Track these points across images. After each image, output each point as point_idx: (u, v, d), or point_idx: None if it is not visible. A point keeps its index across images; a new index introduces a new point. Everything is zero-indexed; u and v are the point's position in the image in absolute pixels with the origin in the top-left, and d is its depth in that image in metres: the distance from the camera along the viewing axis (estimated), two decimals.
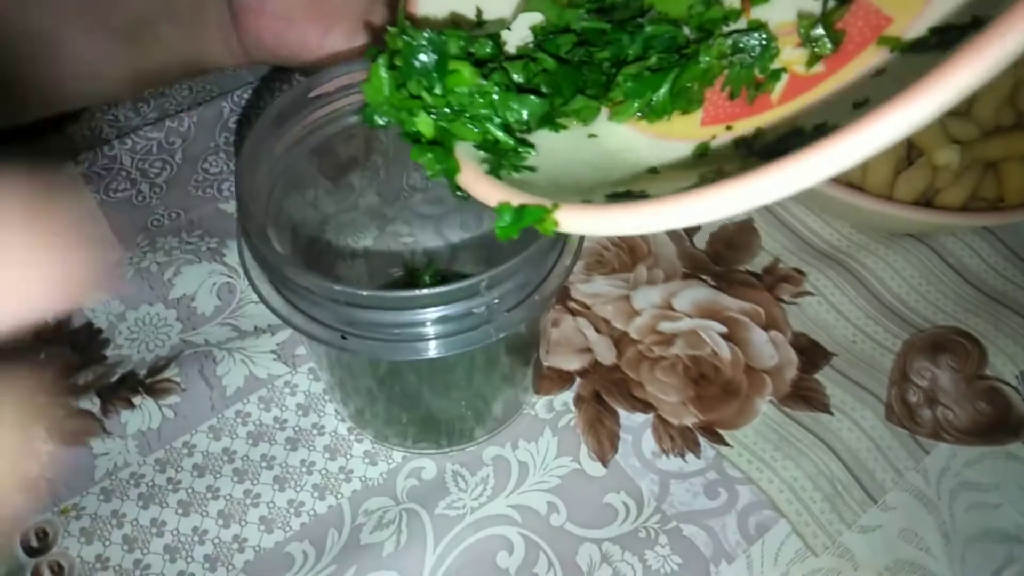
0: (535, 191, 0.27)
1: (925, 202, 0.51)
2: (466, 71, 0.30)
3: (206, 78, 0.63)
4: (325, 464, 0.45)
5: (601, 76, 0.33)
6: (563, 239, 0.34)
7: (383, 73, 0.30)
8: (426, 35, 0.29)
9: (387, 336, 0.32)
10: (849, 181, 0.51)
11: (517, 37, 0.34)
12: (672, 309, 0.51)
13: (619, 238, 0.55)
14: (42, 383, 0.15)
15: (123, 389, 0.47)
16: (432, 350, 0.32)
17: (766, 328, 0.51)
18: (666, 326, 0.51)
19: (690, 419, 0.47)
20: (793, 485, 0.44)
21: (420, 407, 0.42)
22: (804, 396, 0.48)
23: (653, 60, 0.32)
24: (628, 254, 0.54)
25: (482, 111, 0.30)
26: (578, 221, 0.26)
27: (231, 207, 0.56)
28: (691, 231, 0.56)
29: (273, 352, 0.49)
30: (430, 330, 0.32)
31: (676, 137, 0.32)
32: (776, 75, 0.31)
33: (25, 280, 0.13)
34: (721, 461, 0.46)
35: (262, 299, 0.33)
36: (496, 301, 0.32)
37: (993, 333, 0.51)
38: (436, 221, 0.49)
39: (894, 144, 0.20)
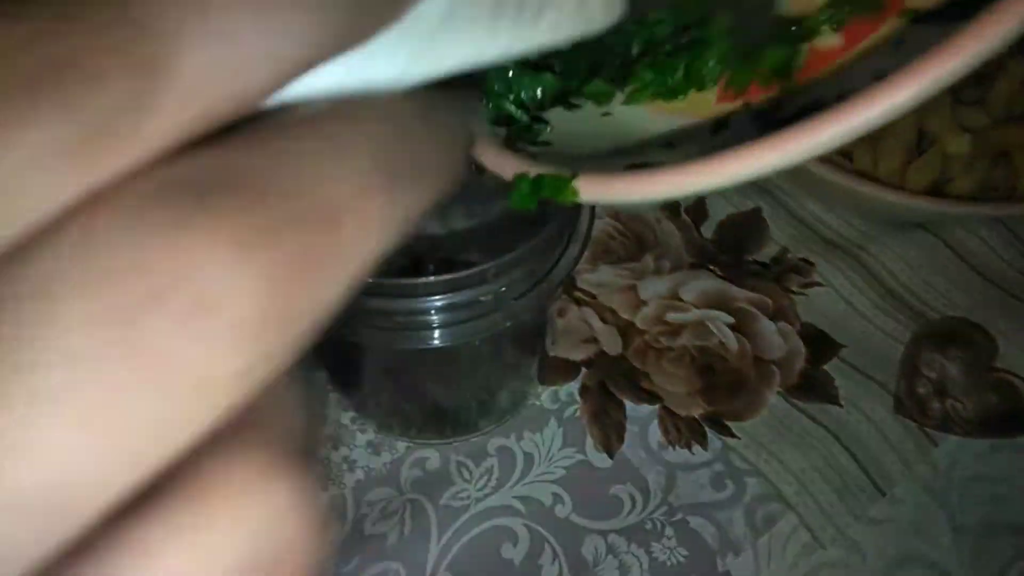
0: (550, 162, 0.27)
1: (936, 191, 0.50)
2: None
3: None
4: (328, 454, 0.45)
5: (616, 59, 0.32)
6: (570, 229, 0.34)
7: None
8: None
9: (393, 325, 0.32)
10: (860, 169, 0.51)
11: None
12: (679, 299, 0.51)
13: (625, 227, 0.54)
14: None
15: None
16: (438, 339, 0.32)
17: (774, 319, 0.50)
18: (673, 316, 0.50)
19: (697, 410, 0.47)
20: (801, 477, 0.44)
21: (424, 397, 0.42)
22: (812, 387, 0.48)
23: (668, 47, 0.31)
24: (635, 243, 0.53)
25: (496, 87, 0.30)
26: (599, 189, 0.25)
27: None
28: (699, 220, 0.55)
29: None
30: (435, 319, 0.31)
31: (691, 114, 0.32)
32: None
33: None
34: (728, 453, 0.45)
35: None
36: (503, 289, 0.31)
37: (1004, 325, 0.50)
38: (442, 208, 0.48)
39: (916, 105, 0.19)
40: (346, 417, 0.46)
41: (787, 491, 0.44)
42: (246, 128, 0.10)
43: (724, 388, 0.47)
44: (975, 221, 0.55)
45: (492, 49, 0.15)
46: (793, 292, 0.52)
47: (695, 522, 0.43)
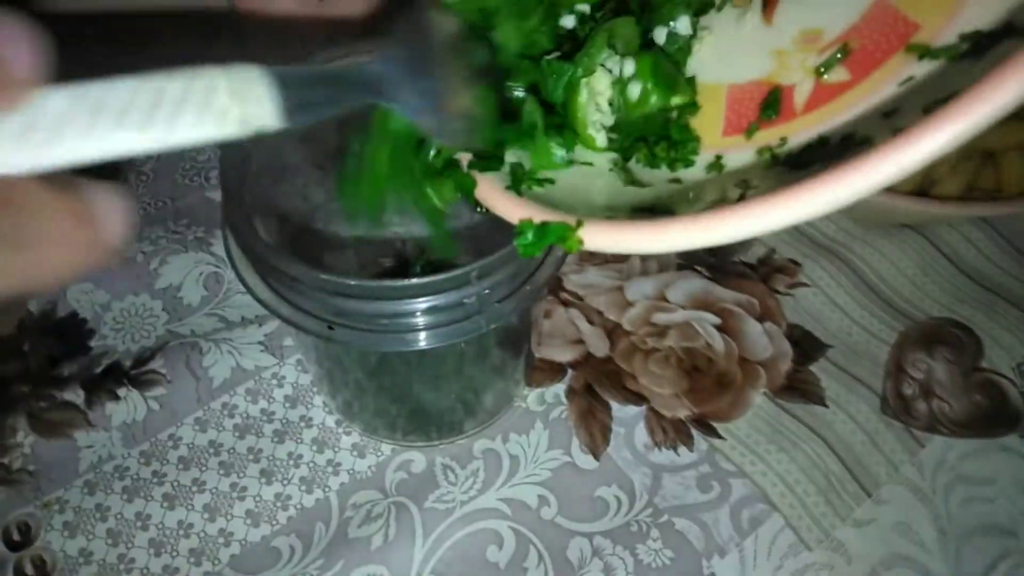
0: (556, 205, 0.27)
1: (922, 192, 0.51)
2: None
3: None
4: (313, 457, 0.44)
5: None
6: None
7: None
8: None
9: (375, 327, 0.31)
10: None
11: None
12: (666, 300, 0.51)
13: None
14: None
15: (108, 381, 0.46)
16: (421, 341, 0.31)
17: (760, 319, 0.50)
18: (660, 317, 0.50)
19: (683, 411, 0.46)
20: (787, 478, 0.44)
21: (409, 399, 0.41)
22: (798, 388, 0.48)
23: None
24: None
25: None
26: (603, 238, 0.25)
27: (219, 195, 0.55)
28: None
29: (260, 343, 0.48)
30: (419, 321, 0.31)
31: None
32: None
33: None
34: (714, 454, 0.45)
35: (248, 289, 0.33)
36: (487, 291, 0.31)
37: (989, 325, 0.51)
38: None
39: (932, 161, 0.19)
40: (331, 420, 0.46)
41: (773, 492, 0.44)
42: None
43: (710, 389, 0.47)
44: (961, 222, 0.55)
45: (124, 145, 0.17)
46: (779, 293, 0.52)
47: (681, 524, 0.42)
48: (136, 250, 0.52)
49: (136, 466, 0.44)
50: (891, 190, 0.49)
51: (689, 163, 0.31)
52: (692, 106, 0.32)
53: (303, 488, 0.43)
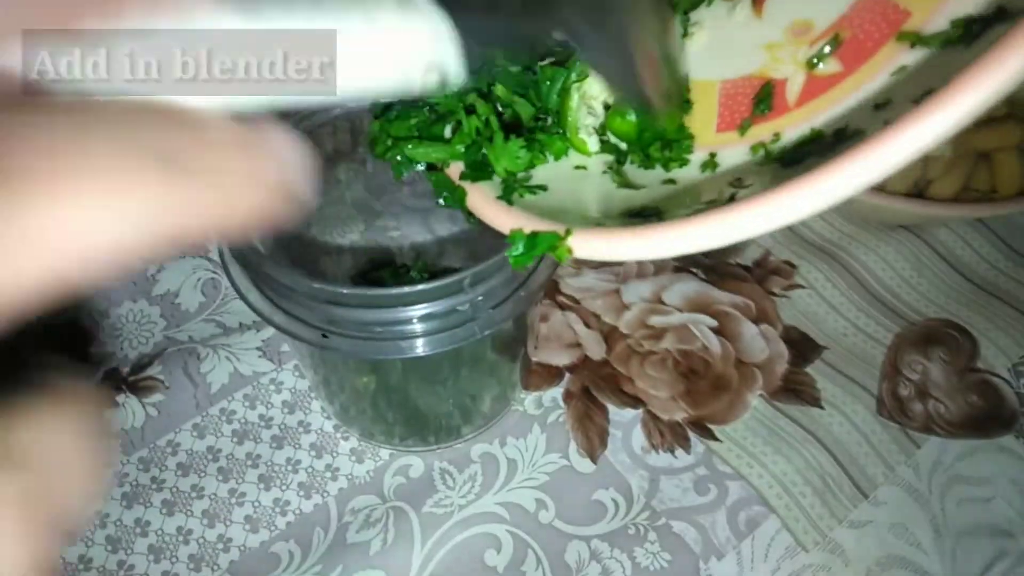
0: (548, 213, 0.27)
1: (917, 193, 0.51)
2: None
3: None
4: (311, 462, 0.44)
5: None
6: None
7: None
8: None
9: (369, 335, 0.31)
10: None
11: None
12: (662, 303, 0.51)
13: None
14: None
15: (106, 387, 0.47)
16: (415, 349, 0.31)
17: (756, 322, 0.50)
18: (656, 320, 0.50)
19: (680, 414, 0.47)
20: (783, 480, 0.44)
21: (406, 405, 0.42)
22: (795, 390, 0.48)
23: None
24: None
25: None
26: (592, 247, 0.25)
27: None
28: None
29: (258, 349, 0.48)
30: (413, 328, 0.31)
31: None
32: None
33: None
34: (711, 456, 0.45)
35: (242, 297, 0.33)
36: (480, 298, 0.31)
37: (985, 325, 0.51)
38: (424, 215, 0.48)
39: (925, 152, 0.19)
40: (329, 425, 0.46)
41: (769, 494, 0.44)
42: None
43: (707, 392, 0.47)
44: (956, 222, 0.55)
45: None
46: (775, 295, 0.52)
47: (678, 526, 0.43)
48: None
49: (135, 472, 0.44)
50: (887, 191, 0.50)
51: (684, 162, 0.31)
52: (685, 104, 0.32)
53: (301, 493, 0.43)
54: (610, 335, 0.50)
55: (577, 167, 0.32)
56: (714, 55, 0.33)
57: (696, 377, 0.48)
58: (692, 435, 0.46)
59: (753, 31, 0.32)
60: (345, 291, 0.29)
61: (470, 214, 0.29)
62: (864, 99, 0.27)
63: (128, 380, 0.47)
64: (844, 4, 0.29)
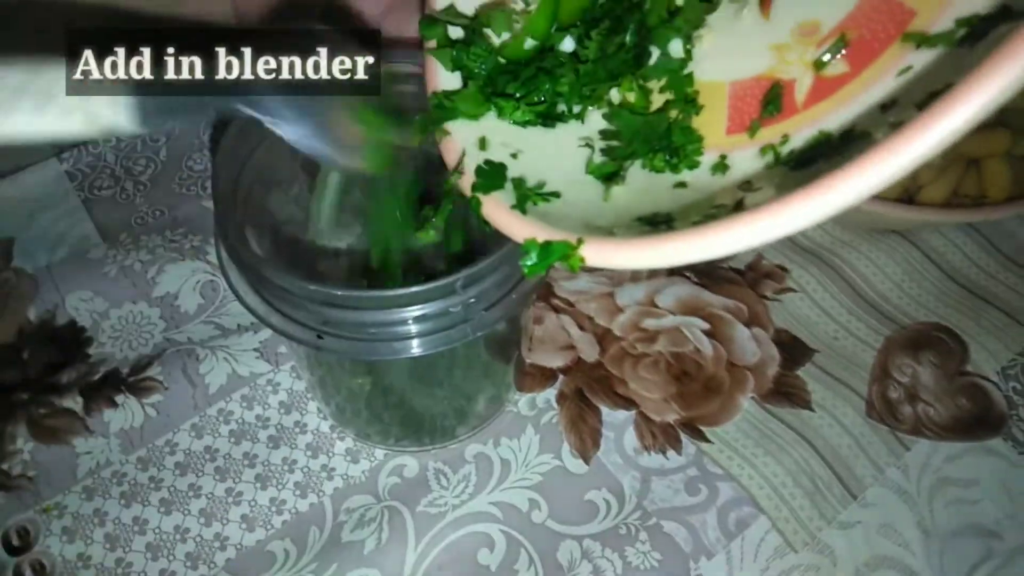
0: (561, 221, 0.27)
1: (908, 199, 0.51)
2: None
3: None
4: (307, 462, 0.45)
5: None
6: None
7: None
8: None
9: (364, 336, 0.32)
10: None
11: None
12: (655, 306, 0.51)
13: None
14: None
15: (106, 388, 0.47)
16: (409, 350, 0.32)
17: (748, 325, 0.51)
18: (649, 323, 0.51)
19: (672, 416, 0.47)
20: (773, 481, 0.45)
21: (401, 406, 0.42)
22: (786, 393, 0.48)
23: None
24: None
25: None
26: (604, 256, 0.25)
27: None
28: None
29: (256, 350, 0.49)
30: (407, 329, 0.32)
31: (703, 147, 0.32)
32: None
33: None
34: (702, 458, 0.46)
35: (239, 299, 0.34)
36: (473, 300, 0.32)
37: (975, 329, 0.51)
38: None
39: (935, 154, 0.19)
40: (325, 425, 0.46)
41: (760, 495, 0.44)
42: None
43: (699, 394, 0.48)
44: (947, 227, 0.56)
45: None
46: (767, 298, 0.52)
47: (669, 526, 0.43)
48: (134, 259, 0.52)
49: (134, 472, 0.44)
50: (878, 197, 0.50)
51: (694, 164, 0.31)
52: (692, 105, 0.33)
53: (297, 493, 0.44)
54: (604, 337, 0.50)
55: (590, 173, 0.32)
56: (722, 56, 0.33)
57: (688, 379, 0.48)
58: (684, 436, 0.46)
59: (761, 32, 0.32)
60: (339, 292, 0.30)
61: (485, 222, 0.30)
62: (871, 101, 0.27)
63: (127, 381, 0.47)
64: (851, 4, 0.30)
